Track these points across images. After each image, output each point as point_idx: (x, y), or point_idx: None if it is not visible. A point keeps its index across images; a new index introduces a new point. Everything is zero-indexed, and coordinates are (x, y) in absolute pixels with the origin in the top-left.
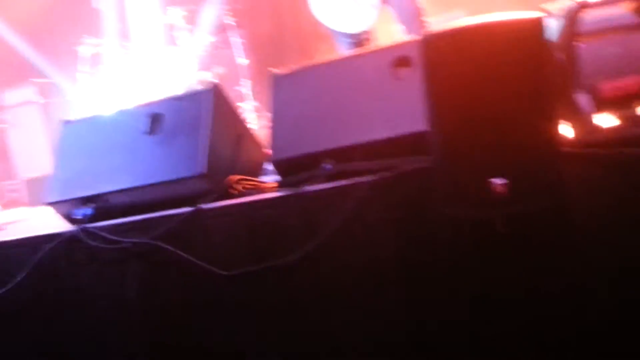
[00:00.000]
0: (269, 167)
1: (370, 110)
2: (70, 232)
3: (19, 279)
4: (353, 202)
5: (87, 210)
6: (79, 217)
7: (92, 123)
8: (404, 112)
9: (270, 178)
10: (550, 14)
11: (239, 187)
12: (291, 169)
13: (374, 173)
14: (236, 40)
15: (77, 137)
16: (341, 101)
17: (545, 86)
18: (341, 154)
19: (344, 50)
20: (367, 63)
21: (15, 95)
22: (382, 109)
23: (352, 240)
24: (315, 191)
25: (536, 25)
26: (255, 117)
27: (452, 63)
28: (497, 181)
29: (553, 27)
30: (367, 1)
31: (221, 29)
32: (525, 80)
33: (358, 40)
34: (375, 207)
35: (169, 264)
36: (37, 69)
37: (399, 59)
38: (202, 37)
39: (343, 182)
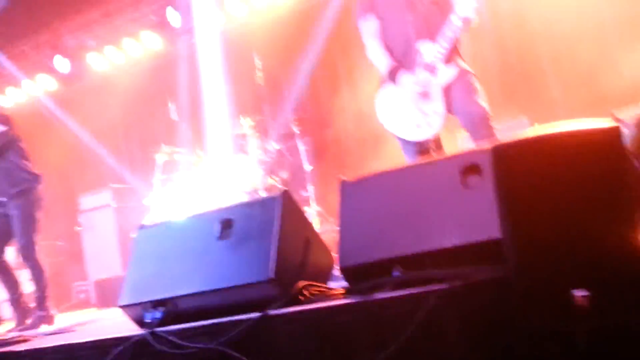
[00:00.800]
0: (337, 273)
1: (440, 217)
2: (138, 335)
3: None
4: (423, 311)
5: (157, 313)
6: (148, 320)
7: (166, 228)
8: (476, 220)
9: (338, 284)
10: (621, 122)
11: (307, 293)
12: (359, 275)
13: (445, 281)
14: (301, 148)
15: (151, 242)
16: (410, 208)
17: (627, 195)
18: (411, 261)
19: (409, 158)
20: (436, 171)
21: (92, 199)
22: (453, 216)
23: (423, 351)
24: (384, 299)
25: (615, 134)
26: (319, 222)
27: (526, 172)
28: (578, 293)
29: (626, 134)
30: (433, 109)
31: (288, 137)
32: (606, 189)
33: (424, 148)
34: (446, 317)
35: None
36: (115, 174)
37: (469, 167)
38: (270, 145)
39: (413, 290)
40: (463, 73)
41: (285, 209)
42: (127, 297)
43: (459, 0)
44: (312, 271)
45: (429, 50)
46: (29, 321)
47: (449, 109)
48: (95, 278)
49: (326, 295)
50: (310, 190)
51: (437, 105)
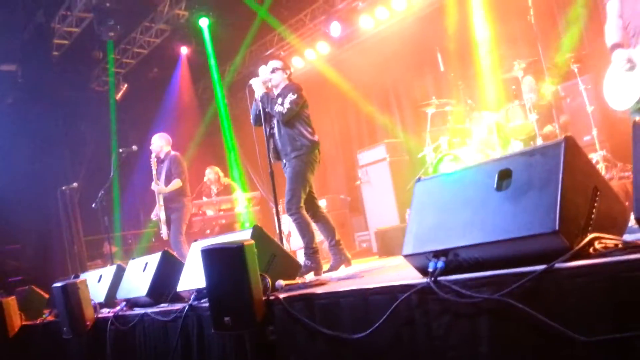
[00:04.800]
0: (632, 224)
1: None
2: (423, 283)
3: (377, 324)
4: None
5: (439, 263)
6: (431, 269)
7: (443, 180)
8: None
9: (634, 236)
10: None
11: (598, 245)
12: None
13: None
14: (581, 87)
15: (429, 193)
16: None
17: None
18: None
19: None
20: None
21: (368, 154)
22: None
23: None
24: None
25: None
26: (604, 168)
27: None
28: None
29: None
30: (636, 81)
31: (566, 77)
32: None
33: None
34: None
35: (521, 323)
36: (388, 130)
37: None
38: (546, 88)
39: None
40: None
41: (568, 156)
42: (410, 247)
43: None
44: (602, 223)
45: None
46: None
47: None
48: (375, 228)
49: (620, 249)
50: (594, 134)
51: (638, 80)
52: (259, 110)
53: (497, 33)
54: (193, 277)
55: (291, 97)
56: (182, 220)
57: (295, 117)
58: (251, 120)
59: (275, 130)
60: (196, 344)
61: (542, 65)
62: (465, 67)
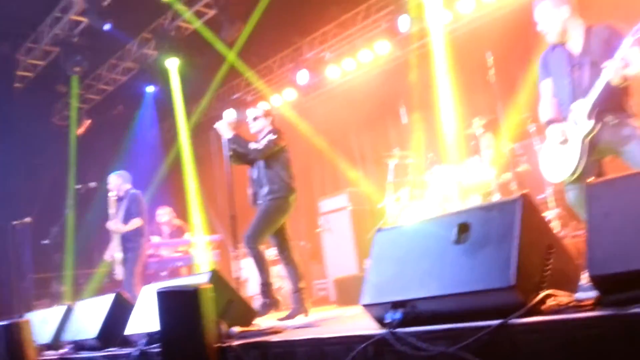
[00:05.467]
0: (582, 282)
1: None
2: (380, 334)
3: None
4: None
5: (397, 314)
6: (389, 320)
7: (403, 231)
8: None
9: (586, 294)
10: None
11: (551, 302)
12: (613, 286)
13: None
14: (537, 146)
15: (389, 244)
16: None
17: None
18: None
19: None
20: None
21: (330, 202)
22: None
23: None
24: None
25: None
26: (559, 226)
27: None
28: None
29: None
30: (569, 155)
31: (522, 135)
32: None
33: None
34: None
35: None
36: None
37: None
38: (504, 145)
39: None
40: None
41: (525, 212)
42: (368, 297)
43: (607, 63)
44: (556, 279)
45: (579, 105)
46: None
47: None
48: (333, 276)
49: (573, 307)
50: (548, 192)
51: (573, 152)
52: (230, 151)
53: (458, 89)
54: (144, 320)
55: (270, 136)
56: (138, 261)
57: (275, 160)
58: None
59: (255, 172)
60: None
61: (500, 124)
62: (427, 121)
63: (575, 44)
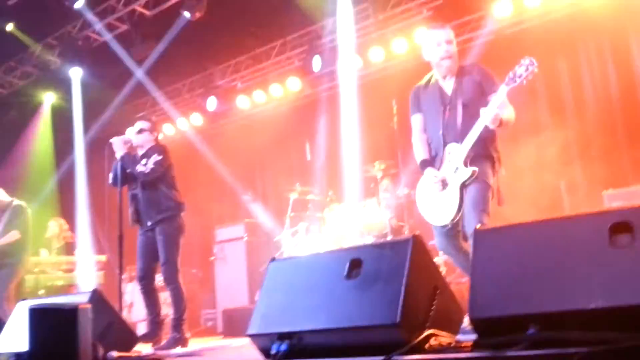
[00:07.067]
0: (464, 325)
1: (585, 276)
2: None
3: None
4: None
5: (282, 345)
6: (274, 352)
7: (296, 262)
8: (624, 282)
9: (466, 337)
10: None
11: (434, 342)
12: (491, 329)
13: (587, 345)
14: None
15: (281, 275)
16: (551, 263)
17: None
18: (549, 320)
19: (436, 237)
20: (583, 227)
21: (226, 231)
22: (599, 275)
23: None
24: (517, 357)
25: None
26: (445, 272)
27: None
28: None
29: None
30: (449, 201)
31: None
32: None
33: (447, 230)
34: None
35: None
36: (249, 209)
37: (619, 225)
38: (400, 190)
39: (550, 351)
40: (479, 182)
41: (415, 253)
42: (255, 327)
43: (484, 110)
44: (439, 320)
45: (454, 150)
46: (164, 341)
47: (461, 206)
48: (223, 307)
49: (453, 347)
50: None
51: (453, 198)
52: (118, 170)
53: (363, 132)
54: (14, 338)
55: (156, 157)
56: (13, 277)
57: (159, 179)
58: (110, 180)
59: (139, 192)
60: None
61: (399, 169)
62: (330, 159)
63: (448, 83)
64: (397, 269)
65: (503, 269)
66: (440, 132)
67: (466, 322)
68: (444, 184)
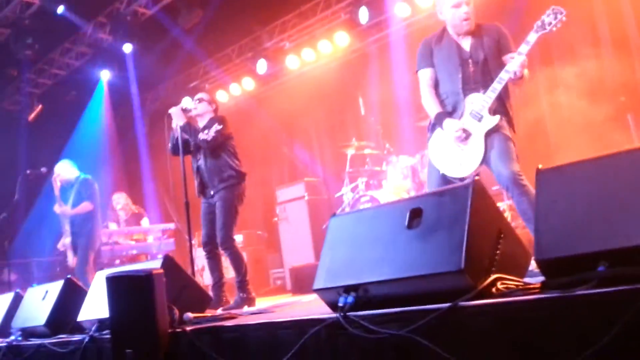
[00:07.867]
0: (531, 268)
1: None
2: (332, 318)
3: (285, 358)
4: (632, 311)
5: (349, 298)
6: (341, 304)
7: (357, 216)
8: None
9: (534, 279)
10: None
11: (500, 286)
12: (558, 270)
13: None
14: None
15: (343, 229)
16: (617, 199)
17: None
18: (619, 257)
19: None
20: None
21: (287, 192)
22: None
23: (629, 354)
24: (586, 295)
25: None
26: (510, 217)
27: None
28: None
29: None
30: (471, 151)
31: None
32: None
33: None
34: None
35: (426, 359)
36: (308, 168)
37: None
38: None
39: (620, 288)
40: (501, 134)
41: (476, 198)
42: (321, 281)
43: (514, 56)
44: (505, 264)
45: (477, 100)
46: (232, 302)
47: (485, 156)
48: (290, 265)
49: (521, 290)
50: None
51: (478, 148)
52: (177, 139)
53: (414, 82)
54: (96, 306)
55: (217, 127)
56: (90, 248)
57: (221, 148)
58: (169, 150)
59: (202, 162)
60: None
61: None
62: (384, 112)
63: (465, 40)
64: (458, 215)
65: (568, 208)
66: (460, 86)
67: (533, 265)
68: (467, 135)
